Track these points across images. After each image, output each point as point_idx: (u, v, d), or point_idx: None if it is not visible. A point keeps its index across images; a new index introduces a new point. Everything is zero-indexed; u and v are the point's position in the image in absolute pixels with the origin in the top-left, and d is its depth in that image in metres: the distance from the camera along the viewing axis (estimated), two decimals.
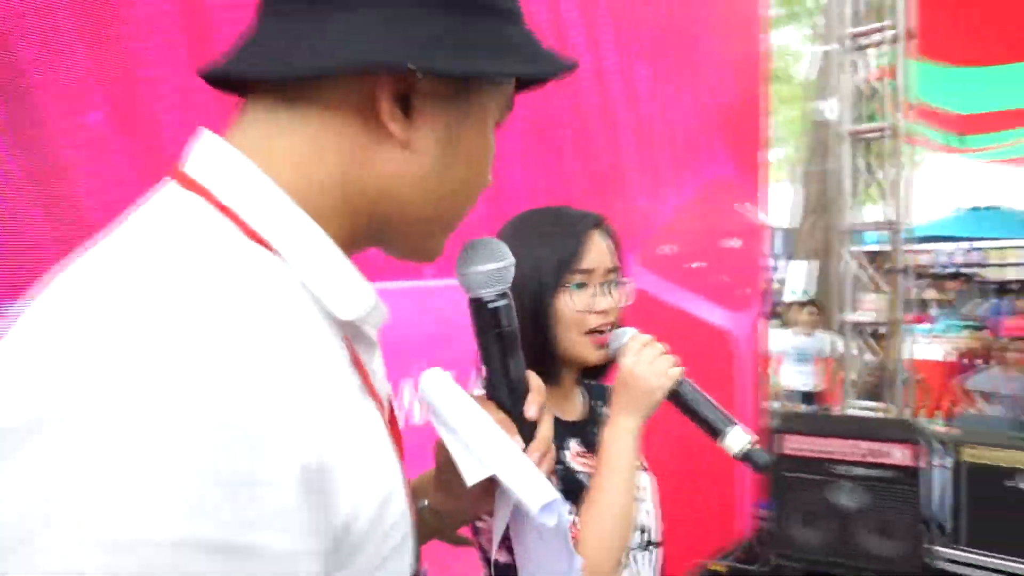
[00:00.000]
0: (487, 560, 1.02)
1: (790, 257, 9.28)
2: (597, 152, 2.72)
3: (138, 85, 1.39)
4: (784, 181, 11.16)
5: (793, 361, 5.87)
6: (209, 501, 0.36)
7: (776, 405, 4.95)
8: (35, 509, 0.35)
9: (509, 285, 0.75)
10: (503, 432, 0.69)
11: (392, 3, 0.48)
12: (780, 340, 5.83)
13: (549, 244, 1.12)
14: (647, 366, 1.09)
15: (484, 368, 0.78)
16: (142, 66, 1.38)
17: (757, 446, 1.11)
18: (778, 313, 6.81)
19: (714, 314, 3.59)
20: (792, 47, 14.71)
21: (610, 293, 1.15)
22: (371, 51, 0.47)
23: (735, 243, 3.81)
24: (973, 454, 3.34)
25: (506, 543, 0.86)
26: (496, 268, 0.73)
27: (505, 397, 0.76)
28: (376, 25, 0.47)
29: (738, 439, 1.11)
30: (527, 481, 0.65)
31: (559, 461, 1.11)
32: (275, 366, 0.41)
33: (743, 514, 3.99)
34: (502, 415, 0.75)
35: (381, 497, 0.48)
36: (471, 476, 0.66)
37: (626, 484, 1.06)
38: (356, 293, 0.51)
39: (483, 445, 0.67)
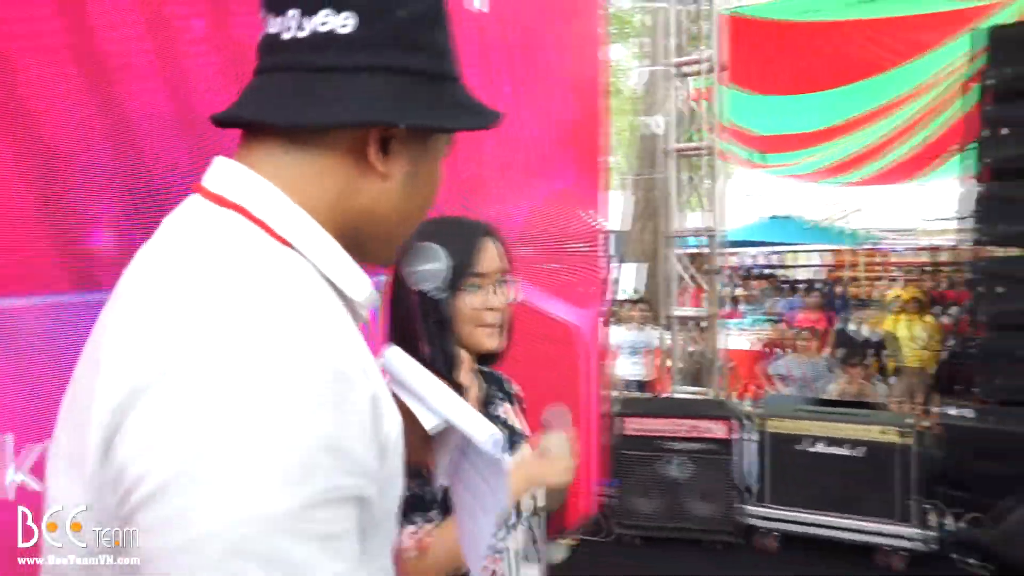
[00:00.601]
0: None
1: (621, 259, 10.02)
2: (461, 162, 2.94)
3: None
4: (614, 189, 12.00)
5: (627, 354, 6.44)
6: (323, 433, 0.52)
7: (615, 394, 5.44)
8: (175, 466, 0.48)
9: (446, 282, 0.96)
10: (450, 390, 0.90)
11: (383, 72, 0.65)
12: (615, 335, 6.38)
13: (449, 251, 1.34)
14: (554, 475, 1.31)
15: (424, 345, 0.98)
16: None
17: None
18: (612, 311, 7.40)
19: (562, 311, 3.92)
20: (619, 63, 15.79)
21: (501, 291, 1.37)
22: (371, 109, 0.64)
23: (579, 246, 4.15)
24: (773, 425, 3.95)
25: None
26: (437, 268, 0.95)
27: (442, 367, 0.97)
28: (372, 88, 0.64)
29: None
30: (475, 422, 0.86)
31: None
32: (329, 330, 0.58)
33: (589, 493, 4.36)
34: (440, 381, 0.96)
35: (398, 429, 0.66)
36: (429, 424, 0.87)
37: None
38: (362, 281, 0.69)
39: (437, 400, 0.88)
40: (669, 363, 5.66)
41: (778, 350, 6.75)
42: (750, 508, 3.99)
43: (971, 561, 3.66)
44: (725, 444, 3.96)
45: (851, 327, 7.40)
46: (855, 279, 11.98)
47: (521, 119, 3.39)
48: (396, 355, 0.94)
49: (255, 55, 0.68)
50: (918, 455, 3.65)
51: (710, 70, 5.36)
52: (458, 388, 0.96)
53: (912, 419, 3.87)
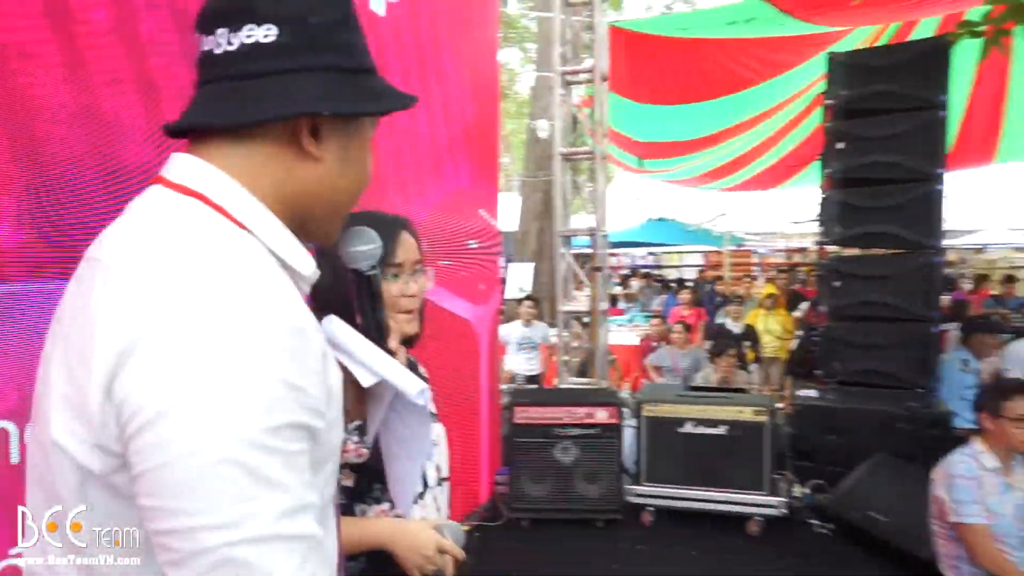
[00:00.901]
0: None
1: (511, 259, 10.30)
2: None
3: None
4: (506, 190, 12.31)
5: (518, 349, 6.71)
6: (288, 374, 0.66)
7: (506, 387, 5.67)
8: (170, 399, 0.62)
9: (379, 261, 1.14)
10: (382, 351, 1.07)
11: (303, 71, 0.78)
12: (506, 331, 6.62)
13: None
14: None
15: (359, 317, 1.15)
16: None
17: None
18: (503, 308, 7.65)
19: (461, 307, 4.09)
20: (508, 66, 16.12)
21: (417, 280, 1.54)
22: (295, 103, 0.74)
23: (477, 245, 4.31)
24: (650, 410, 4.32)
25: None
26: (370, 248, 1.13)
27: (374, 335, 1.14)
28: (295, 85, 0.74)
29: None
30: (404, 378, 1.04)
31: None
32: (284, 296, 0.71)
33: (486, 482, 4.55)
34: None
35: (340, 382, 0.79)
36: (366, 382, 1.04)
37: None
38: (306, 257, 0.82)
39: (371, 360, 1.05)
40: (557, 357, 5.97)
41: (656, 343, 7.21)
42: (630, 487, 4.34)
43: (816, 523, 4.19)
44: (610, 429, 4.28)
45: (719, 321, 8.05)
46: (723, 278, 12.95)
47: (417, 121, 3.51)
48: (335, 323, 1.11)
49: (195, 72, 0.80)
50: (773, 432, 4.11)
51: (593, 80, 5.70)
52: (390, 353, 1.14)
53: (769, 401, 4.35)
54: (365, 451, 1.29)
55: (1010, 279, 9.74)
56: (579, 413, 4.28)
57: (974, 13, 3.84)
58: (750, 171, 10.35)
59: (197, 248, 0.69)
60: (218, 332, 0.63)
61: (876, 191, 4.54)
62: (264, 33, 0.74)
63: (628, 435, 4.47)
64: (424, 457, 1.11)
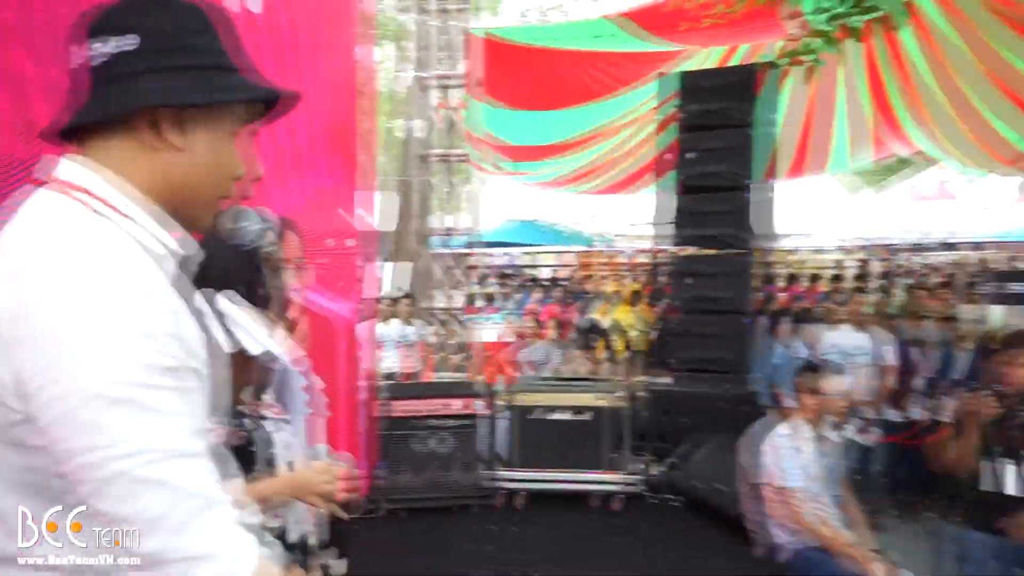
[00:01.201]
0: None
1: (387, 258, 10.30)
2: None
3: None
4: (379, 190, 12.21)
5: (393, 346, 6.78)
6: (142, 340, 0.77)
7: (381, 384, 5.74)
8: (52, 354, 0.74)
9: (266, 241, 1.27)
10: (265, 323, 1.21)
11: (162, 71, 0.89)
12: (384, 329, 6.68)
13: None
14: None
15: (251, 291, 1.27)
16: None
17: None
18: (379, 307, 7.67)
19: (320, 303, 4.10)
20: (384, 64, 15.97)
21: (298, 276, 1.65)
22: (146, 97, 0.85)
23: (339, 242, 4.25)
24: (520, 399, 4.59)
25: None
26: (257, 227, 1.25)
27: (263, 305, 1.27)
28: (153, 84, 0.85)
29: None
30: (282, 346, 1.18)
31: None
32: (140, 271, 0.82)
33: (364, 477, 4.60)
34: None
35: (196, 337, 0.89)
36: (254, 350, 1.16)
37: None
38: (165, 240, 0.91)
39: (257, 332, 1.18)
40: (431, 354, 6.12)
41: (529, 339, 7.51)
42: (504, 473, 4.57)
43: (669, 497, 4.60)
44: (469, 418, 4.51)
45: (589, 317, 8.51)
46: (592, 276, 13.60)
47: (287, 120, 3.48)
48: (227, 298, 1.23)
49: (72, 80, 0.90)
50: (631, 416, 4.49)
51: (465, 84, 5.91)
52: (289, 324, 1.28)
53: (626, 388, 4.74)
54: (244, 433, 1.40)
55: (837, 278, 10.91)
56: (444, 405, 4.46)
57: (790, 42, 4.38)
58: (610, 176, 10.92)
59: (68, 238, 0.81)
60: (87, 301, 0.76)
61: (709, 198, 5.14)
62: (129, 42, 0.86)
63: (502, 425, 4.70)
64: (303, 413, 1.27)
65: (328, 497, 1.36)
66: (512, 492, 4.55)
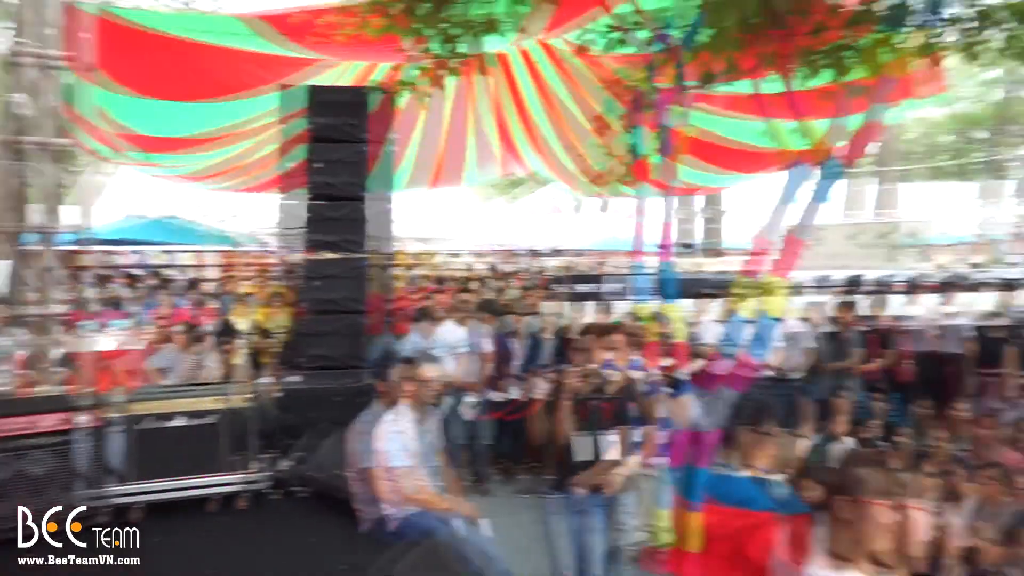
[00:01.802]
0: None
1: None
2: None
3: None
4: None
5: None
6: None
7: None
8: None
9: None
10: None
11: None
12: None
13: None
14: None
15: None
16: None
17: None
18: None
19: None
20: None
21: None
22: None
23: None
24: (139, 408, 4.39)
25: None
26: None
27: None
28: None
29: None
30: None
31: None
32: None
33: None
34: None
35: None
36: None
37: None
38: None
39: None
40: (27, 367, 5.41)
41: (159, 345, 7.03)
42: (117, 488, 4.31)
43: (297, 490, 4.83)
44: (64, 433, 4.15)
45: (226, 319, 8.24)
46: (231, 277, 13.03)
47: None
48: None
49: None
50: (260, 416, 4.62)
51: (77, 68, 5.35)
52: None
53: (255, 389, 4.84)
54: None
55: (465, 279, 12.20)
56: (23, 423, 4.02)
57: (410, 70, 4.93)
58: (262, 175, 10.70)
59: None
60: None
61: (333, 205, 5.60)
62: None
63: (119, 437, 4.41)
64: None
65: None
66: (124, 507, 4.33)
